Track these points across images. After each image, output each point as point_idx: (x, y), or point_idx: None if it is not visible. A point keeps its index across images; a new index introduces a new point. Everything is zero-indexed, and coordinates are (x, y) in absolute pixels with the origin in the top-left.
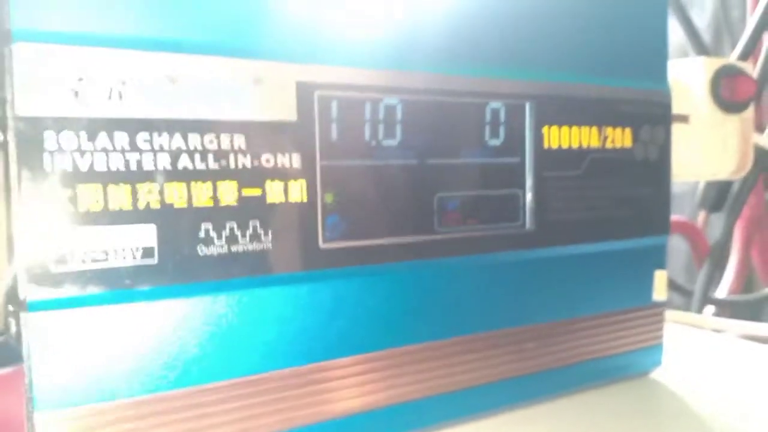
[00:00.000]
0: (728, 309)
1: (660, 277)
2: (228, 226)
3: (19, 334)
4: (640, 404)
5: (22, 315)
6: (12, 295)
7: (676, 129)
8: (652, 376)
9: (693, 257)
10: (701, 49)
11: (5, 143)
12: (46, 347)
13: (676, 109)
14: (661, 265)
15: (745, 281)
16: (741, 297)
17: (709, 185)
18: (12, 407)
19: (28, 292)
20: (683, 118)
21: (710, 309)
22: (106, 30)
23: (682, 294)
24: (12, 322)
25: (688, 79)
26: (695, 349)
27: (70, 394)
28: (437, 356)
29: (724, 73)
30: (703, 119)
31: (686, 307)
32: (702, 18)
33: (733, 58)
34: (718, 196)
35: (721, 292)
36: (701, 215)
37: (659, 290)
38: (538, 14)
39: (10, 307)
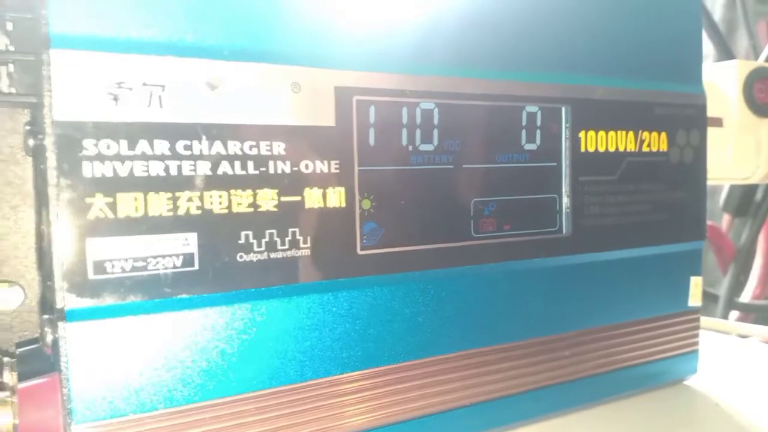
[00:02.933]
0: (753, 314)
1: (696, 284)
2: (267, 232)
3: (55, 343)
4: (678, 412)
5: (60, 324)
6: (46, 304)
7: (710, 132)
8: (686, 383)
9: (717, 261)
10: (725, 53)
11: (38, 148)
12: (85, 357)
13: (710, 112)
14: (697, 271)
15: None
16: (766, 302)
17: (734, 188)
18: (47, 418)
19: (67, 301)
20: (717, 122)
21: (733, 314)
22: (146, 36)
23: (705, 298)
24: (47, 331)
25: (721, 82)
26: (725, 355)
27: (109, 406)
28: (472, 365)
29: (757, 76)
30: (737, 122)
31: (708, 312)
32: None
33: (761, 59)
34: (742, 199)
35: (745, 296)
36: (725, 218)
37: (695, 296)
38: (574, 18)
39: (45, 316)
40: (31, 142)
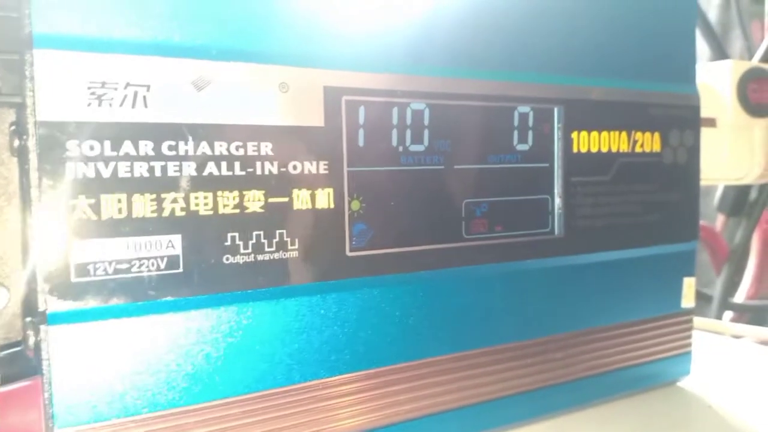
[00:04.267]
0: (747, 314)
1: (689, 285)
2: (254, 234)
3: (37, 346)
4: (671, 414)
5: (42, 328)
6: (29, 306)
7: (703, 132)
8: (679, 385)
9: (711, 261)
10: (720, 53)
11: (22, 148)
12: (68, 361)
13: (703, 112)
14: (690, 272)
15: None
16: (760, 302)
17: (728, 188)
18: (29, 422)
19: (48, 304)
20: (710, 122)
21: (727, 314)
22: (130, 36)
23: (699, 298)
24: (30, 333)
25: (715, 82)
26: (717, 356)
27: (92, 410)
28: (464, 367)
29: (751, 77)
30: (731, 123)
31: (702, 312)
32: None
33: (755, 60)
34: (736, 199)
35: (739, 296)
36: (719, 219)
37: (688, 297)
38: (565, 18)
39: (28, 318)
40: (16, 142)
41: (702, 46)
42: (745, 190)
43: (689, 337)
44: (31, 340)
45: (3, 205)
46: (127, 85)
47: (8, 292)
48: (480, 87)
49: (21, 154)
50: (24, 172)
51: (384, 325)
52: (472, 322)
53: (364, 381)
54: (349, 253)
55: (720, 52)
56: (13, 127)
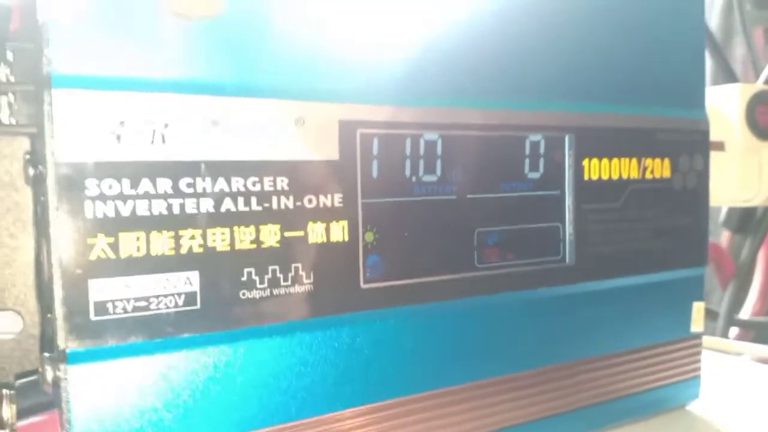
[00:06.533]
0: (752, 331)
1: (698, 309)
2: (270, 269)
3: (56, 382)
4: None
5: (61, 366)
6: (45, 339)
7: (712, 156)
8: (687, 408)
9: (717, 278)
10: (727, 73)
11: (36, 177)
12: (87, 399)
13: (712, 136)
14: (699, 297)
15: None
16: (767, 319)
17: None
18: None
19: (68, 343)
20: (719, 145)
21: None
22: (148, 74)
23: (705, 315)
24: (48, 368)
25: (723, 105)
26: (722, 376)
27: None
28: (476, 396)
29: (759, 100)
30: (739, 146)
31: (707, 329)
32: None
33: (761, 81)
34: (742, 216)
35: (744, 313)
36: (725, 235)
37: (697, 322)
38: (574, 45)
39: (46, 354)
40: (30, 171)
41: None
42: (751, 207)
43: (698, 361)
44: (49, 376)
45: (17, 232)
46: (145, 122)
47: (22, 319)
48: (491, 117)
49: (36, 183)
50: (39, 203)
51: (398, 357)
52: (485, 351)
53: (377, 413)
54: (363, 285)
55: (725, 68)
56: (27, 157)
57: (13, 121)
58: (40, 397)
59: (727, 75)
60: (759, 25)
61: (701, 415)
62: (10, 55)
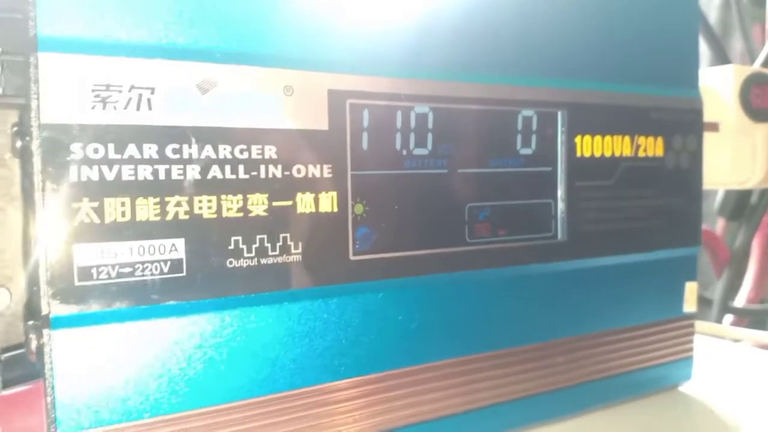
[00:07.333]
0: (747, 318)
1: (691, 289)
2: (258, 238)
3: (40, 350)
4: (672, 419)
5: (45, 331)
6: (31, 308)
7: (706, 137)
8: (680, 389)
9: (711, 265)
10: (721, 56)
11: (24, 150)
12: (70, 365)
13: (706, 117)
14: (692, 277)
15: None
16: (760, 306)
17: (729, 192)
18: (31, 426)
19: (51, 308)
20: (713, 126)
21: (727, 318)
22: (135, 39)
23: (699, 302)
24: (32, 337)
25: (717, 86)
26: (718, 360)
27: (94, 414)
28: (466, 372)
29: (753, 81)
30: (733, 127)
31: (702, 316)
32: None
33: (757, 64)
34: (737, 203)
35: (739, 301)
36: (720, 223)
37: (690, 302)
38: (570, 22)
39: (30, 322)
40: (18, 143)
41: (703, 49)
42: (745, 194)
43: (691, 342)
44: (34, 344)
45: (5, 206)
46: (132, 87)
47: (10, 294)
48: (484, 90)
49: (23, 155)
50: (26, 174)
51: (387, 329)
52: (475, 326)
53: (366, 386)
54: (352, 257)
55: (721, 55)
56: (15, 128)
57: (0, 92)
58: (26, 368)
59: (720, 57)
60: (757, 21)
61: (699, 398)
62: None
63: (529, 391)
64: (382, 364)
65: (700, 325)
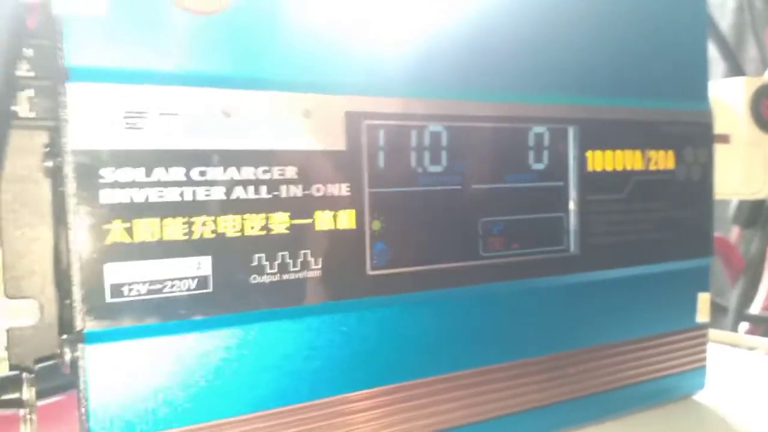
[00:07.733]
0: (762, 326)
1: (703, 300)
2: (279, 255)
3: (74, 363)
4: (686, 428)
5: (79, 346)
6: (64, 323)
7: (717, 149)
8: (694, 398)
9: (726, 273)
10: (734, 67)
11: (54, 169)
12: (103, 378)
13: (717, 128)
14: (705, 287)
15: None
16: None
17: (743, 201)
18: None
19: (85, 323)
20: (724, 138)
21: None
22: (161, 67)
23: (714, 309)
24: (66, 350)
25: (728, 98)
26: (732, 369)
27: (125, 424)
28: (480, 383)
29: (764, 93)
30: (744, 139)
31: (717, 323)
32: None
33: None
34: (751, 212)
35: (754, 308)
36: (735, 231)
37: (702, 312)
38: (578, 38)
39: (64, 336)
40: (49, 163)
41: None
42: (760, 202)
43: (704, 351)
44: (68, 357)
45: (35, 222)
46: (159, 114)
47: (40, 306)
48: (496, 108)
49: (54, 174)
50: (57, 194)
51: (403, 342)
52: (489, 338)
53: (383, 396)
54: (369, 272)
55: (734, 65)
56: (46, 149)
57: (33, 115)
58: (58, 379)
59: (734, 68)
60: None
61: (712, 407)
62: (29, 51)
63: (542, 402)
64: (399, 375)
65: (714, 333)
